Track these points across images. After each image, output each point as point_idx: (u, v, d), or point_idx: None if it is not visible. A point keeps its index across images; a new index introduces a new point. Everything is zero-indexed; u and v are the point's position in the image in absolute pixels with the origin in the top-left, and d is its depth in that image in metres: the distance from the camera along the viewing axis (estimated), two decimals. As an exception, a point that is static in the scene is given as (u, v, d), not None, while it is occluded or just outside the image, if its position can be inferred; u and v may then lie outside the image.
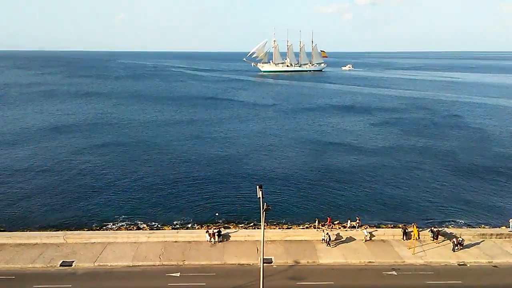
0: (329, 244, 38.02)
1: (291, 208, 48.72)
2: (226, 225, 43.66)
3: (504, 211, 48.29)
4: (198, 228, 42.97)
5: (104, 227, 43.57)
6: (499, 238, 39.96)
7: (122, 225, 44.06)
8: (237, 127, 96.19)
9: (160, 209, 48.39)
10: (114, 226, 43.83)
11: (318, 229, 40.68)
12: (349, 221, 42.12)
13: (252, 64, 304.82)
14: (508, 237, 39.97)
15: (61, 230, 41.53)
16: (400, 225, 42.62)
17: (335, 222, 43.00)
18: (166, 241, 38.93)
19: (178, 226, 43.76)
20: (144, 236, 39.45)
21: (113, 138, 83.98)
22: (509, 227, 41.08)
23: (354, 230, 40.70)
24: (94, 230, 42.35)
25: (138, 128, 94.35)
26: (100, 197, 52.07)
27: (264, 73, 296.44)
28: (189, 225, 43.97)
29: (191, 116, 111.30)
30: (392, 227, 43.01)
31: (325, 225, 41.53)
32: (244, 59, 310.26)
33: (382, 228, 42.68)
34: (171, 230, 41.91)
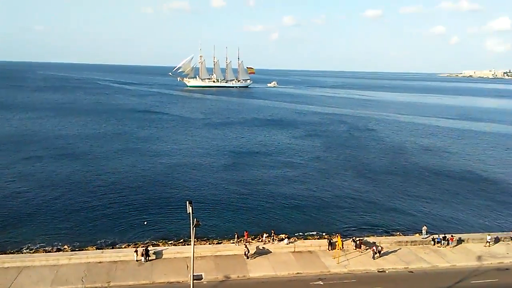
0: (249, 258, 38.66)
1: (221, 222, 48.78)
2: (155, 242, 42.55)
3: (417, 218, 52.35)
4: (125, 247, 41.34)
5: (19, 250, 40.26)
6: (414, 245, 43.26)
7: (40, 247, 41.06)
8: (165, 142, 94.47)
9: (83, 228, 45.91)
10: (31, 249, 40.71)
11: (237, 244, 40.90)
12: (264, 234, 42.58)
13: (178, 78, 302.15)
14: (421, 244, 43.42)
15: (-31, 256, 37.78)
16: (326, 236, 44.62)
17: (264, 236, 43.46)
18: (89, 262, 37.02)
19: (103, 245, 41.76)
20: (64, 258, 37.16)
21: (29, 153, 78.16)
22: (422, 234, 44.68)
23: (275, 243, 41.64)
24: (8, 254, 38.94)
25: (57, 142, 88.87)
26: (15, 217, 48.12)
27: (190, 88, 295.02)
28: (115, 244, 42.16)
29: (116, 130, 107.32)
30: (318, 238, 44.75)
31: (243, 239, 41.50)
32: (170, 73, 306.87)
33: (309, 239, 44.28)
34: (95, 250, 39.89)
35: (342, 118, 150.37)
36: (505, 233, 46.56)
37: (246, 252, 38.88)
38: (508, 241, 44.51)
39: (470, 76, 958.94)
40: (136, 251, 37.72)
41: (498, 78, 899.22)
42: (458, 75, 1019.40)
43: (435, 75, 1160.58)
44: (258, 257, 39.34)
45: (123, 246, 41.61)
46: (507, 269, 37.87)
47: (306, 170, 73.37)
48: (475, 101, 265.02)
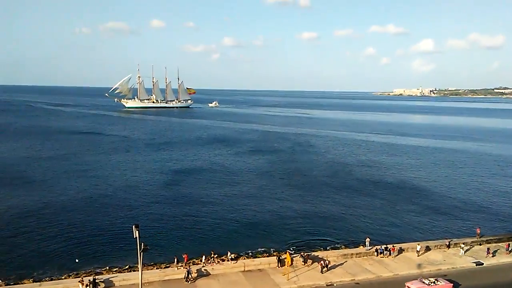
0: (189, 281, 37.92)
1: (169, 245, 47.65)
2: (98, 270, 40.52)
3: (361, 230, 54.24)
4: (65, 278, 38.97)
5: None
6: (359, 257, 44.76)
7: (-31, 284, 37.73)
8: (106, 164, 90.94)
9: (18, 260, 42.80)
10: (-43, 286, 37.27)
11: (177, 268, 39.95)
12: (203, 256, 41.68)
13: (116, 100, 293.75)
14: (366, 255, 45.03)
15: None
16: (275, 253, 45.00)
17: (203, 257, 42.38)
18: (26, 296, 34.52)
19: (41, 277, 39.03)
20: (-2, 294, 34.41)
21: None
22: (365, 245, 46.39)
23: (224, 263, 41.35)
24: None
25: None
26: None
27: (129, 109, 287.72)
28: (55, 276, 39.55)
29: (52, 154, 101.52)
30: (267, 256, 44.92)
31: (184, 262, 40.64)
32: (107, 94, 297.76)
33: (259, 257, 44.33)
34: (32, 284, 37.25)
35: (284, 135, 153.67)
36: (440, 241, 49.48)
37: (186, 275, 37.95)
38: (444, 248, 47.36)
39: (401, 94, 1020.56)
40: (81, 281, 35.53)
41: (425, 95, 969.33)
42: (390, 93, 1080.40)
43: (370, 94, 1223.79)
44: (206, 279, 38.72)
45: (63, 277, 39.22)
46: (445, 275, 40.14)
47: (251, 188, 73.85)
48: (405, 118, 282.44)
